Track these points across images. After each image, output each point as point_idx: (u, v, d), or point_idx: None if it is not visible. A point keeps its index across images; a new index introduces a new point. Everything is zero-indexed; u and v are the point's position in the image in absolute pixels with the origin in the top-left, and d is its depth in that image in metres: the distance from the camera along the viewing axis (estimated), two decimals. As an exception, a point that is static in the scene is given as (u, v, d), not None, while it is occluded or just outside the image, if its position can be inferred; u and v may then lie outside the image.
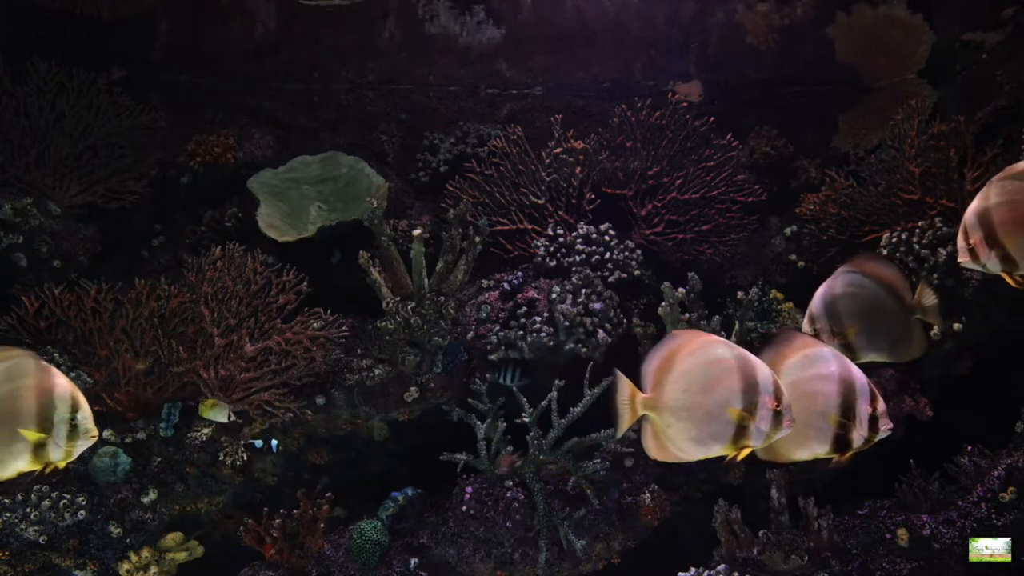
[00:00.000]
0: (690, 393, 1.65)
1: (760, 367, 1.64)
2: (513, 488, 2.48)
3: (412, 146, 3.49)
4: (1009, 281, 1.84)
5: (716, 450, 1.67)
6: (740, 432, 1.63)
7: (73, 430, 1.67)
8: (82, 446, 1.69)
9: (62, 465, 1.71)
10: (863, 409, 1.68)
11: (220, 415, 2.43)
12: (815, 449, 1.75)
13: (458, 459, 2.48)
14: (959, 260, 1.82)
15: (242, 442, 2.55)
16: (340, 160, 3.20)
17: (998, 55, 3.03)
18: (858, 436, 1.71)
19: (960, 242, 1.80)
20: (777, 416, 1.62)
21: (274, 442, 2.58)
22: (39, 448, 1.66)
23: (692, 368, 1.67)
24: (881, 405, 1.69)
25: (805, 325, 1.91)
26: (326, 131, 3.47)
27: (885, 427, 1.71)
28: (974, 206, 1.79)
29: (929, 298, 1.87)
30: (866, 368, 2.54)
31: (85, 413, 1.69)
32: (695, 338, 1.72)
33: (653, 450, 1.72)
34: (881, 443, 1.77)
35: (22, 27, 3.10)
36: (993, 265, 1.78)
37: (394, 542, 2.56)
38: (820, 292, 1.90)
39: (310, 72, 3.46)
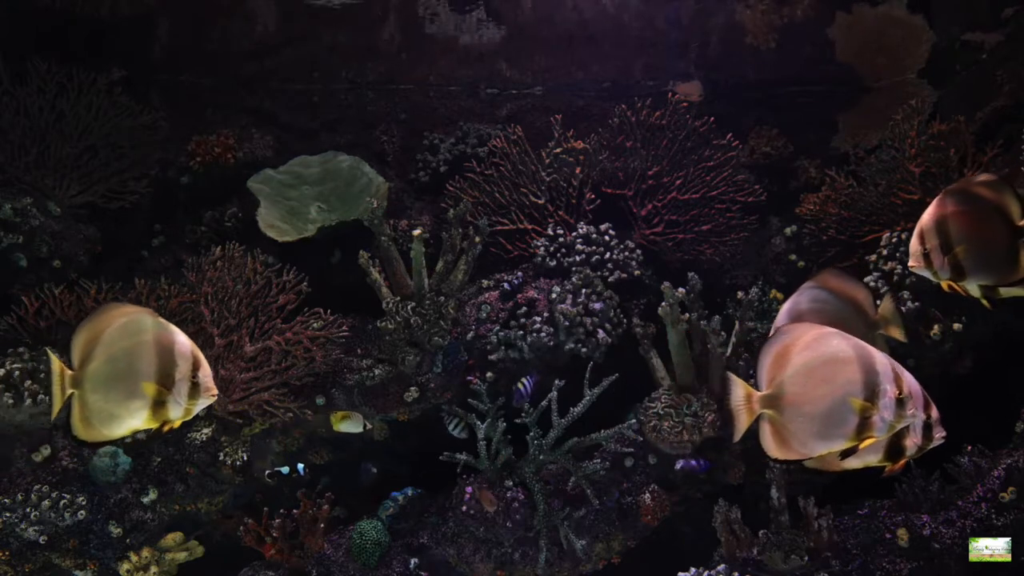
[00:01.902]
0: (810, 387, 1.62)
1: (879, 356, 1.62)
2: (513, 488, 2.48)
3: (412, 146, 3.48)
4: (957, 289, 1.88)
5: (840, 444, 1.63)
6: (864, 424, 1.60)
7: (194, 388, 1.64)
8: (202, 404, 1.66)
9: (177, 424, 1.67)
10: (918, 417, 1.66)
11: (355, 426, 2.43)
12: (868, 457, 1.74)
13: (458, 459, 2.47)
14: (910, 264, 1.82)
15: (266, 472, 2.55)
16: (340, 160, 3.20)
17: (998, 55, 3.03)
18: (912, 444, 1.71)
19: (915, 246, 1.81)
20: (900, 404, 1.59)
21: (300, 466, 2.57)
22: (158, 406, 1.62)
23: (810, 362, 1.63)
24: (935, 412, 1.67)
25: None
26: (326, 131, 3.47)
27: (939, 435, 1.70)
28: (932, 212, 1.80)
29: (892, 313, 1.88)
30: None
31: (206, 371, 1.66)
32: (809, 331, 1.68)
33: (774, 449, 1.67)
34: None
35: (22, 27, 3.09)
36: (943, 273, 1.79)
37: (394, 542, 2.56)
38: (785, 308, 1.90)
39: (310, 72, 3.45)
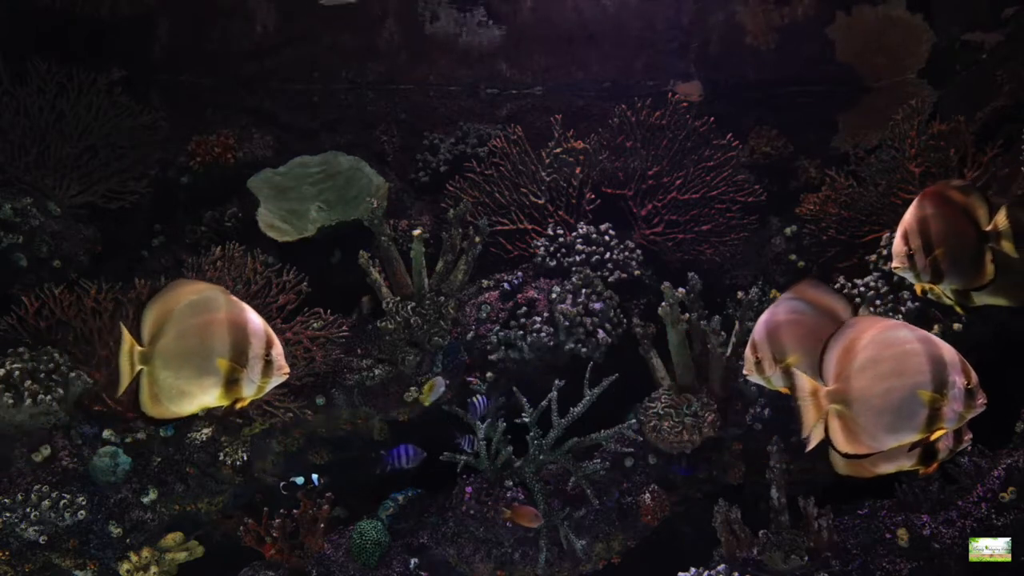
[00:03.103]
0: (878, 381, 1.60)
1: (945, 347, 1.61)
2: (513, 488, 2.49)
3: (412, 146, 3.48)
4: (934, 292, 1.88)
5: (910, 436, 1.62)
6: (933, 415, 1.59)
7: (267, 366, 1.62)
8: (274, 383, 1.64)
9: (247, 402, 1.65)
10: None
11: (438, 391, 2.47)
12: (901, 461, 1.74)
13: (458, 459, 2.47)
14: (893, 265, 1.83)
15: (282, 483, 2.55)
16: (340, 160, 3.20)
17: (998, 55, 3.03)
18: (943, 447, 1.71)
19: (900, 247, 1.81)
20: (969, 395, 1.58)
21: (315, 476, 2.57)
22: (231, 384, 1.60)
23: (877, 355, 1.61)
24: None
25: (748, 352, 1.91)
26: (326, 131, 3.47)
27: (967, 436, 1.70)
28: (914, 214, 1.80)
29: None
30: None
31: (279, 349, 1.64)
32: (874, 324, 1.67)
33: (843, 443, 1.65)
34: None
35: (22, 27, 3.09)
36: (924, 275, 1.80)
37: (394, 542, 2.56)
38: (763, 320, 1.90)
39: (310, 72, 3.45)
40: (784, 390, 1.91)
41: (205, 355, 1.58)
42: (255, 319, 1.63)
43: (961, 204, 1.81)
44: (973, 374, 1.59)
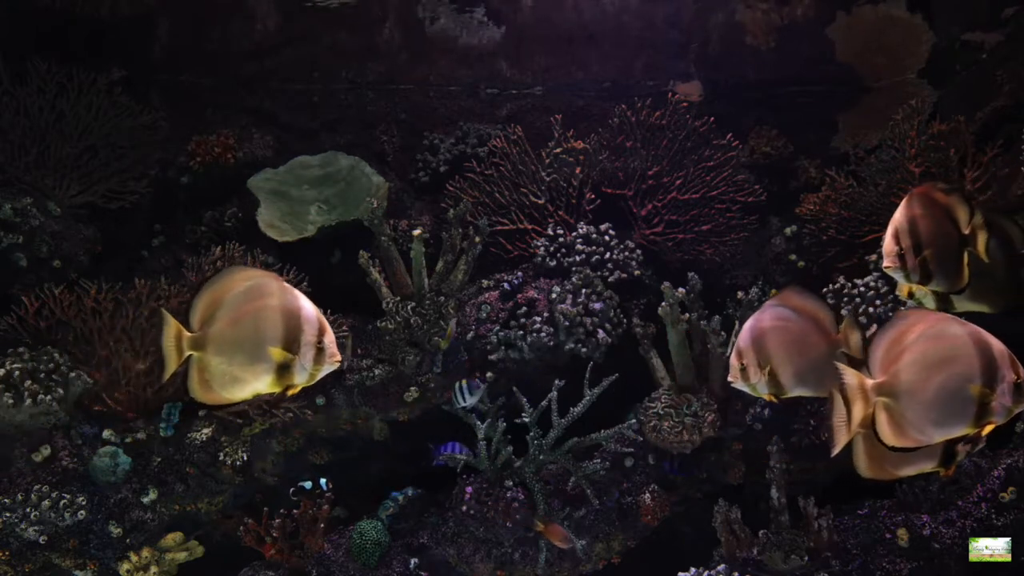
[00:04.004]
0: (927, 374, 1.59)
1: (995, 342, 1.59)
2: (513, 488, 2.48)
3: (412, 146, 3.48)
4: (908, 291, 1.89)
5: (959, 430, 1.61)
6: (983, 410, 1.57)
7: (319, 354, 1.60)
8: (326, 370, 1.63)
9: (297, 390, 1.64)
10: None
11: (453, 326, 2.50)
12: (922, 464, 1.75)
13: (458, 459, 2.47)
14: (884, 265, 1.82)
15: (291, 489, 2.55)
16: (340, 160, 3.20)
17: (998, 55, 3.03)
18: (963, 449, 1.71)
19: (890, 246, 1.80)
20: (1018, 389, 1.56)
21: (323, 480, 2.57)
22: (283, 370, 1.59)
23: (926, 348, 1.60)
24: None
25: (733, 359, 1.91)
26: (326, 131, 3.47)
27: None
28: (904, 213, 1.80)
29: (853, 333, 1.89)
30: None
31: (331, 337, 1.62)
32: (923, 317, 1.65)
33: (890, 437, 1.64)
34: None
35: (22, 27, 3.09)
36: (914, 275, 1.79)
37: (394, 542, 2.56)
38: (748, 326, 1.90)
39: (310, 72, 3.45)
40: (769, 397, 1.92)
41: (258, 342, 1.57)
42: (308, 306, 1.62)
43: (946, 205, 1.81)
44: (1022, 369, 1.58)
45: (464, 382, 2.49)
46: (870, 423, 1.69)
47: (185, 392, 2.50)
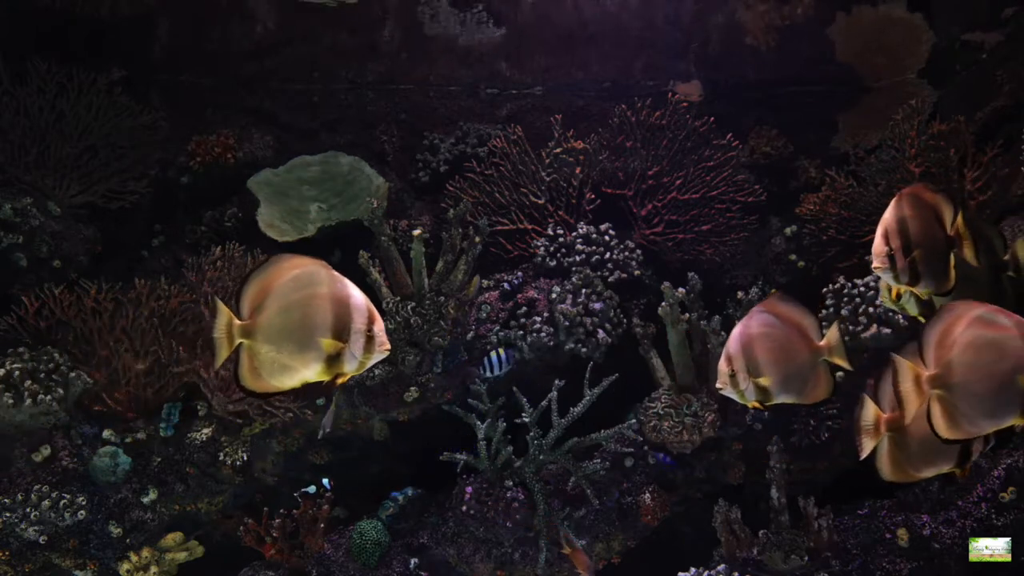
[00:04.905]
0: (979, 365, 1.58)
1: None
2: (513, 488, 2.48)
3: (412, 146, 3.48)
4: (896, 293, 1.89)
5: (1009, 421, 1.60)
6: None
7: (369, 342, 1.59)
8: (376, 359, 1.62)
9: (347, 378, 1.63)
10: None
11: (474, 282, 2.50)
12: (942, 465, 1.75)
13: (458, 459, 2.47)
14: (873, 265, 1.82)
15: (296, 495, 2.55)
16: (340, 160, 3.20)
17: (998, 55, 3.03)
18: (976, 449, 1.71)
19: (880, 247, 1.80)
20: None
21: (325, 480, 2.57)
22: (332, 359, 1.58)
23: (977, 339, 1.59)
24: None
25: (722, 365, 1.91)
26: (326, 131, 3.47)
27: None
28: (894, 213, 1.79)
29: (836, 341, 1.89)
30: (869, 370, 2.54)
31: (380, 325, 1.62)
32: (971, 308, 1.64)
33: (944, 429, 1.63)
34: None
35: (22, 27, 3.09)
36: (903, 276, 1.79)
37: (394, 542, 2.56)
38: (736, 332, 1.91)
39: (310, 72, 3.45)
40: (756, 405, 1.92)
41: (308, 330, 1.56)
42: (357, 294, 1.62)
43: (933, 206, 1.80)
44: None
45: (501, 350, 2.50)
46: (896, 425, 1.70)
47: (185, 392, 2.54)
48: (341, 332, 1.58)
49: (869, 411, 1.74)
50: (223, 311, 1.56)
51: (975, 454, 1.73)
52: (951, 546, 2.23)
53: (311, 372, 1.59)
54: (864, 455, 1.72)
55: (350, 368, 1.61)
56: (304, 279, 1.60)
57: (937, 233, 1.79)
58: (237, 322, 1.57)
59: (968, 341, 1.59)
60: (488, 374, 2.52)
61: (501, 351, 2.52)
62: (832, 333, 1.90)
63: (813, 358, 1.88)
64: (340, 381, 1.63)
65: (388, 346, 1.62)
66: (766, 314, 1.90)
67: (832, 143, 3.40)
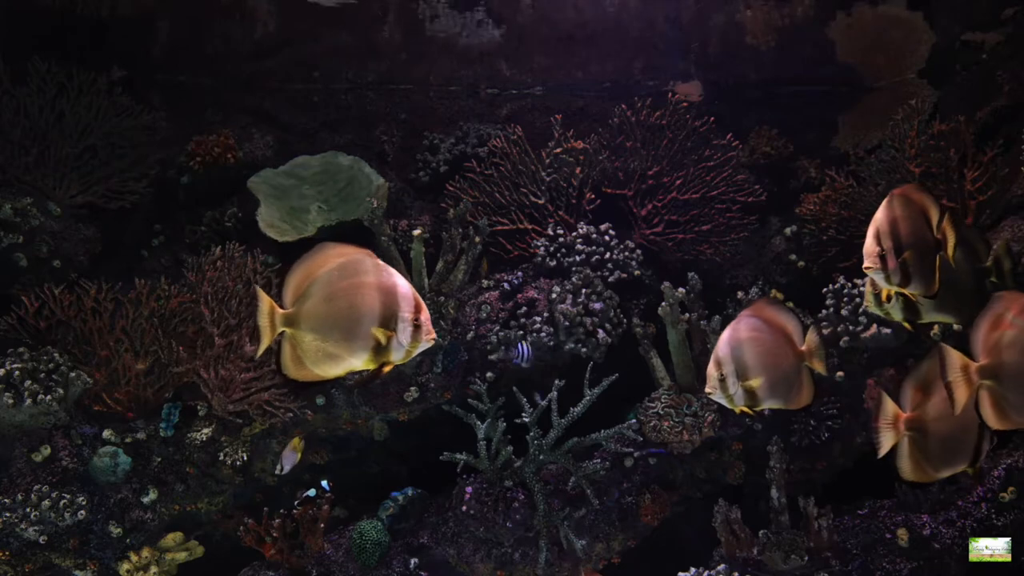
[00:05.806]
0: None
1: None
2: (513, 488, 2.48)
3: (412, 146, 3.48)
4: (887, 294, 1.89)
5: None
6: None
7: (416, 331, 1.59)
8: (422, 347, 1.62)
9: (391, 367, 1.63)
10: None
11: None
12: (957, 465, 1.75)
13: (458, 459, 2.47)
14: (865, 266, 1.81)
15: (296, 501, 2.55)
16: (340, 160, 3.20)
17: (998, 55, 3.03)
18: (985, 448, 1.72)
19: (872, 247, 1.79)
20: None
21: (324, 482, 2.58)
22: (379, 348, 1.58)
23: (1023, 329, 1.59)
24: None
25: (711, 369, 1.91)
26: (326, 131, 3.47)
27: None
28: (885, 214, 1.79)
29: (816, 345, 1.90)
30: (869, 370, 2.54)
31: (426, 314, 1.62)
32: (1018, 298, 1.64)
33: (993, 419, 1.63)
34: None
35: (22, 27, 3.09)
36: (894, 277, 1.79)
37: (394, 542, 2.56)
38: (725, 337, 1.91)
39: (310, 72, 3.45)
40: (743, 409, 1.92)
41: (355, 319, 1.56)
42: (403, 283, 1.61)
43: (922, 207, 1.80)
44: None
45: (529, 339, 2.52)
46: (915, 424, 1.71)
47: (184, 392, 2.54)
48: (389, 321, 1.57)
49: (888, 409, 1.74)
50: (265, 299, 1.56)
51: (984, 452, 1.73)
52: (951, 546, 2.23)
53: (358, 361, 1.59)
54: (883, 453, 1.72)
55: (397, 357, 1.61)
56: (350, 268, 1.59)
57: (927, 235, 1.79)
58: (279, 311, 1.56)
59: (1018, 331, 1.59)
60: (523, 363, 2.52)
61: (530, 339, 2.54)
62: (811, 337, 1.91)
63: (797, 362, 1.89)
64: (386, 370, 1.63)
65: (434, 335, 1.63)
66: (754, 318, 1.91)
67: (832, 143, 3.41)
